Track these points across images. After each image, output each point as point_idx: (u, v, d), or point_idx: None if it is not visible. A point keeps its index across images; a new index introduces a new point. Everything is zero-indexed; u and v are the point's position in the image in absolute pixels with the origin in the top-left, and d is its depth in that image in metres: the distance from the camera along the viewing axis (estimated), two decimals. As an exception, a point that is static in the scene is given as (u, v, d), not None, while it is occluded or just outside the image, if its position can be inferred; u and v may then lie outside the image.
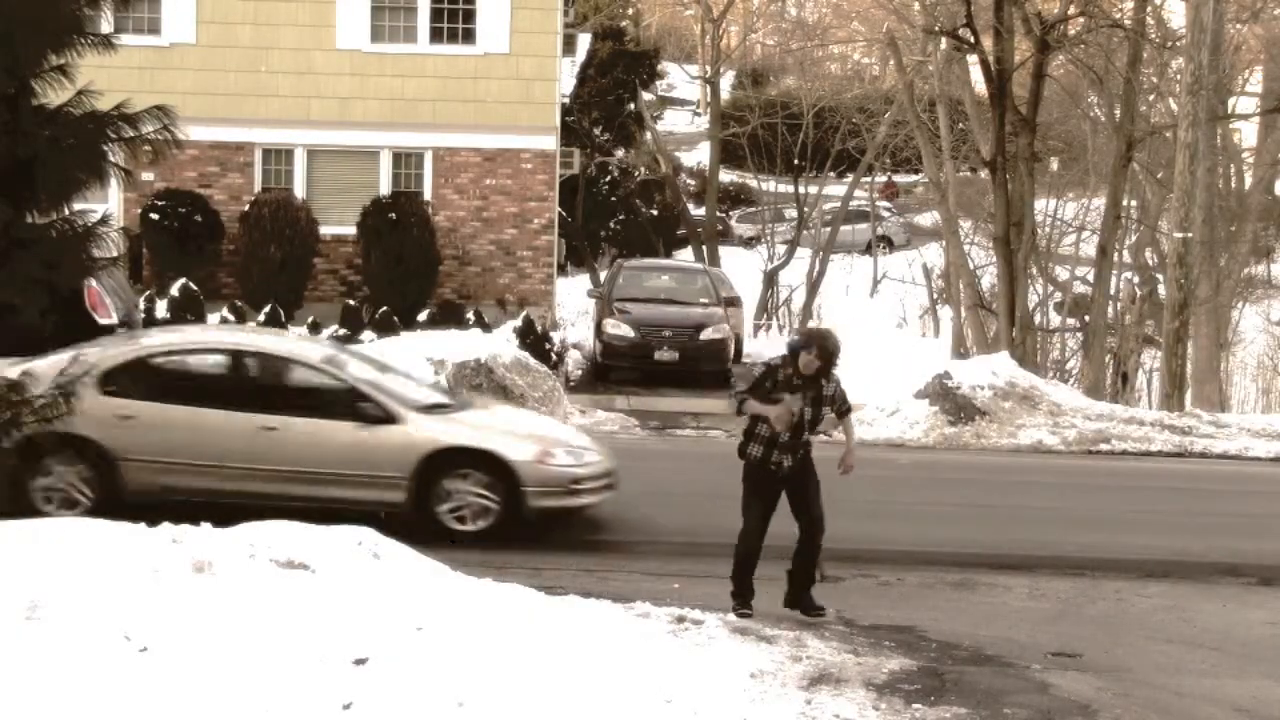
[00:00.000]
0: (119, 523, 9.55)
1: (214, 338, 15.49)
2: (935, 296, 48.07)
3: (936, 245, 49.43)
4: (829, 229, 47.26)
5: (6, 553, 8.69)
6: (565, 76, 36.60)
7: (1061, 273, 42.03)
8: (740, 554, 10.90)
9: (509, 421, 14.80)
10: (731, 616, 10.37)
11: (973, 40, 29.16)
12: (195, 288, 25.17)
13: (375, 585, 9.02)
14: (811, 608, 10.92)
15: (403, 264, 26.53)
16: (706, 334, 26.23)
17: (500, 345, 22.72)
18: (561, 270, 35.83)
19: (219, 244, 26.96)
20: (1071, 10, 30.64)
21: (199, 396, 13.74)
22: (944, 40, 33.35)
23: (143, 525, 9.54)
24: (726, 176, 55.80)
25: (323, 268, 27.56)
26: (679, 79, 61.06)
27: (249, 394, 13.81)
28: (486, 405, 15.80)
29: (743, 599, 10.80)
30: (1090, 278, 36.89)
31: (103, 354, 14.01)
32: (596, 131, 46.40)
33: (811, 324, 43.29)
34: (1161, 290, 32.47)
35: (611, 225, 48.50)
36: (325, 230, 27.26)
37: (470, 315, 26.41)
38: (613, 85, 46.09)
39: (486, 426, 14.14)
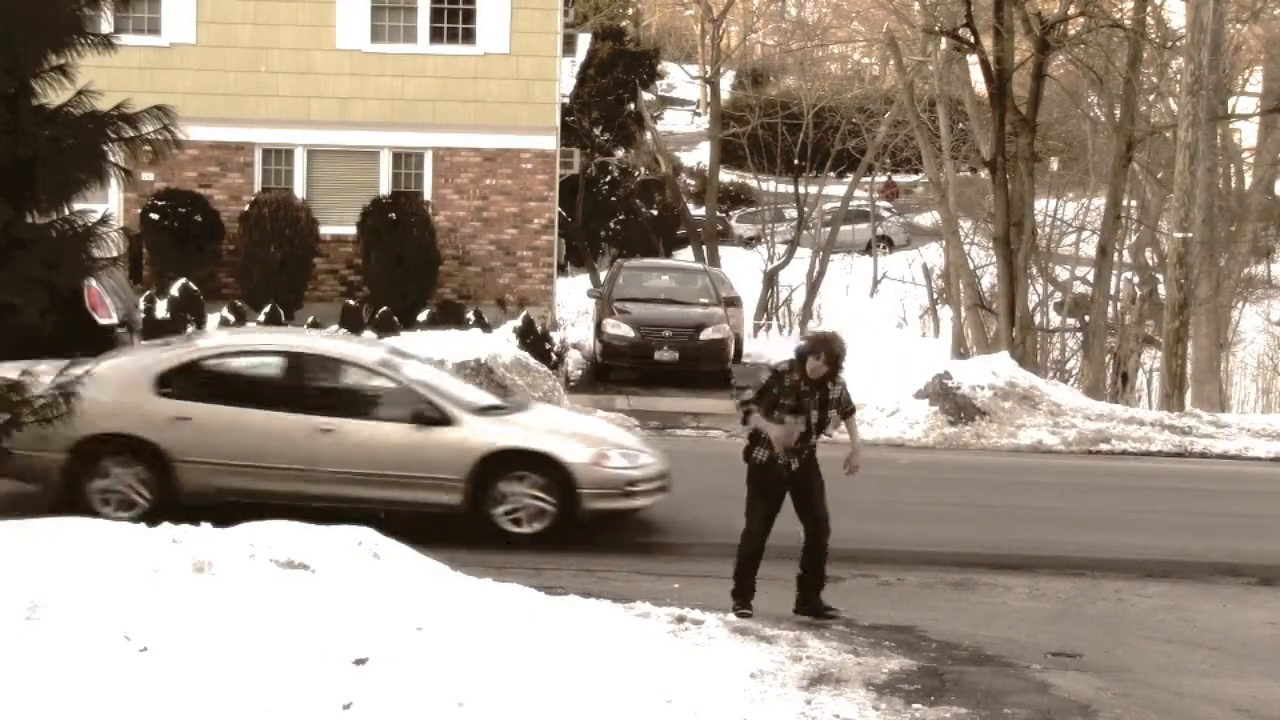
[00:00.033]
0: (119, 523, 9.56)
1: (269, 340, 15.50)
2: (935, 296, 48.06)
3: (936, 245, 49.42)
4: (829, 229, 47.25)
5: (6, 553, 8.69)
6: (565, 76, 36.61)
7: (1061, 273, 42.02)
8: (743, 554, 10.91)
9: (561, 423, 14.77)
10: (731, 616, 10.37)
11: (973, 40, 29.15)
12: (195, 288, 25.19)
13: (375, 585, 9.02)
14: (823, 611, 10.90)
15: (403, 264, 26.53)
16: (706, 334, 26.22)
17: (500, 345, 22.71)
18: (561, 270, 35.83)
19: (219, 244, 26.96)
20: (1071, 10, 30.64)
21: (255, 398, 13.76)
22: (944, 40, 33.35)
23: (143, 525, 9.55)
24: (726, 176, 55.80)
25: (323, 268, 27.56)
26: (679, 79, 61.06)
27: (305, 396, 13.84)
28: (535, 406, 15.75)
29: (743, 599, 10.81)
30: (1090, 278, 36.89)
31: (159, 355, 14.10)
32: (596, 131, 46.40)
33: (812, 324, 43.34)
34: (1161, 290, 32.47)
35: (611, 225, 48.50)
36: (325, 230, 27.26)
37: (470, 315, 26.41)
38: (613, 85, 46.09)
39: (541, 428, 14.10)
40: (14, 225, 10.78)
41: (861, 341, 29.94)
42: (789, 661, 9.18)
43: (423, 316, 26.13)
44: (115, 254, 12.02)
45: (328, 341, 15.43)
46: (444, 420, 13.56)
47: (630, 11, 56.87)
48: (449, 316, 26.22)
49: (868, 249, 54.58)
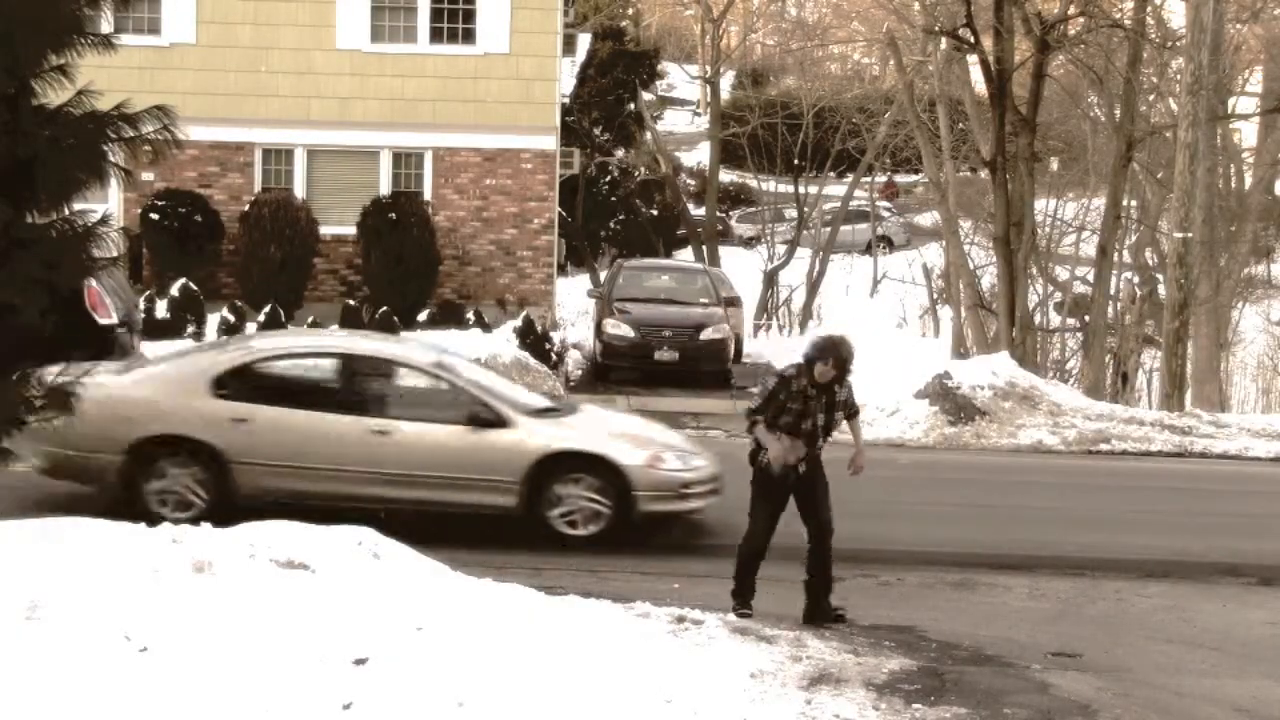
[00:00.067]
0: (119, 523, 9.55)
1: (325, 341, 15.51)
2: (935, 296, 48.06)
3: (936, 245, 49.42)
4: (829, 229, 47.28)
5: (6, 553, 8.69)
6: (565, 76, 36.61)
7: (1061, 273, 42.02)
8: (744, 554, 10.91)
9: (613, 424, 14.75)
10: (731, 616, 10.37)
11: (973, 40, 29.15)
12: (195, 288, 25.19)
13: (375, 585, 9.02)
14: (833, 615, 10.88)
15: (403, 264, 26.53)
16: (706, 334, 26.22)
17: (500, 345, 22.73)
18: (561, 270, 35.83)
19: (219, 244, 26.96)
20: (1071, 10, 30.64)
21: (311, 400, 13.78)
22: (944, 40, 33.35)
23: (142, 525, 9.55)
24: (726, 176, 55.81)
25: (323, 268, 27.56)
26: (679, 79, 61.06)
27: (360, 397, 13.89)
28: (584, 408, 15.74)
29: (743, 599, 10.81)
30: (1090, 278, 36.89)
31: (215, 357, 14.17)
32: (596, 131, 46.41)
33: (812, 324, 43.36)
34: (1161, 290, 32.47)
35: (611, 225, 48.51)
36: (325, 230, 27.26)
37: (470, 315, 26.41)
38: (613, 85, 46.11)
39: (596, 430, 14.10)
40: (14, 225, 10.76)
41: (861, 341, 29.95)
42: (789, 661, 9.18)
43: (423, 316, 26.13)
44: (115, 254, 11.98)
45: (383, 343, 15.47)
46: (499, 422, 13.57)
47: (630, 11, 56.88)
48: (449, 316, 26.22)
49: (868, 249, 54.59)
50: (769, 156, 47.88)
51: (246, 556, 9.03)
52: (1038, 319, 38.33)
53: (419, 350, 15.08)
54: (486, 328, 25.73)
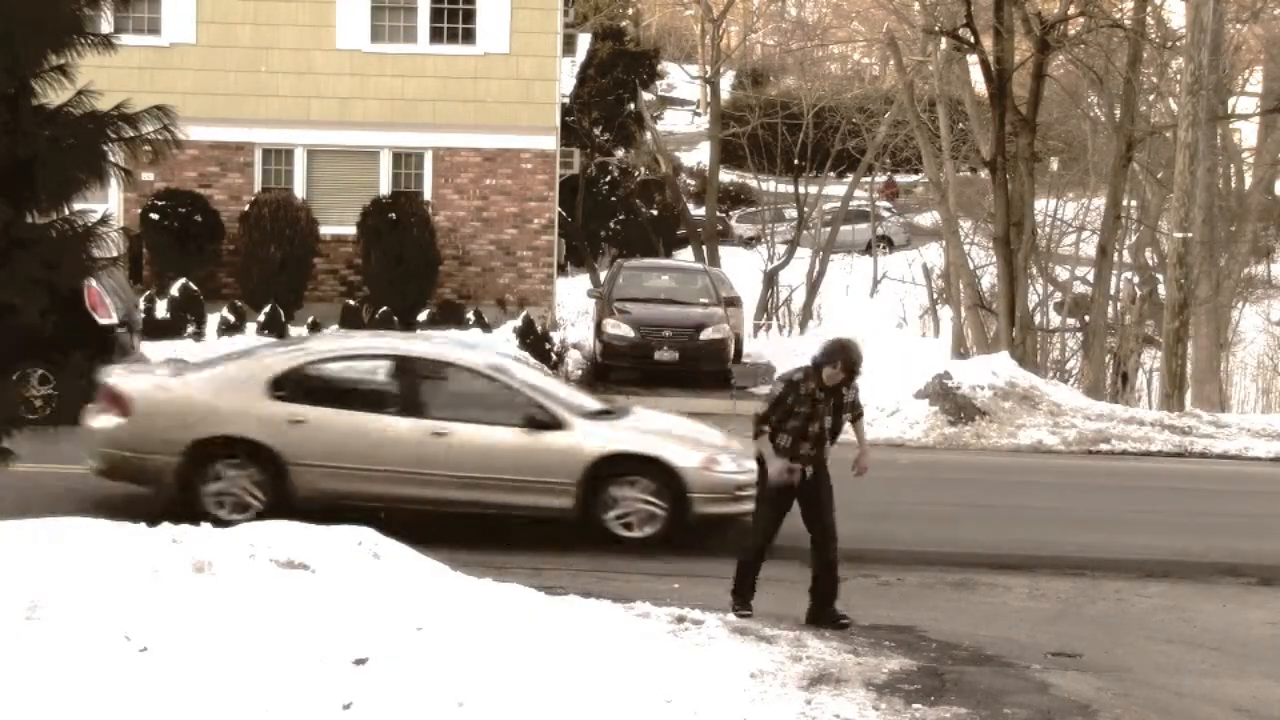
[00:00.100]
0: (119, 523, 9.55)
1: (381, 343, 15.47)
2: (935, 296, 48.06)
3: (936, 245, 49.42)
4: (829, 229, 47.27)
5: (6, 553, 8.69)
6: (565, 76, 36.60)
7: (1061, 273, 42.03)
8: (745, 555, 10.92)
9: (665, 426, 14.66)
10: (731, 616, 10.37)
11: (973, 40, 29.16)
12: (195, 288, 25.19)
13: (375, 585, 9.02)
14: (838, 622, 10.85)
15: (403, 264, 26.52)
16: (706, 334, 26.20)
17: (500, 345, 22.67)
18: (561, 270, 35.83)
19: (219, 244, 26.95)
20: (1071, 10, 30.65)
21: (367, 402, 13.79)
22: (944, 40, 33.35)
23: (142, 525, 9.55)
24: (726, 176, 55.80)
25: (323, 268, 27.55)
26: (679, 79, 61.05)
27: (417, 399, 13.86)
28: (636, 410, 15.67)
29: (743, 599, 10.80)
30: (1090, 278, 36.89)
31: (271, 359, 14.16)
32: (596, 131, 46.40)
33: (812, 324, 43.39)
34: (1161, 290, 32.48)
35: (611, 225, 48.51)
36: (325, 230, 27.25)
37: (470, 315, 26.41)
38: (613, 85, 46.10)
39: (651, 432, 14.06)
40: (14, 225, 10.77)
41: (861, 342, 29.96)
42: (789, 661, 9.18)
43: (423, 316, 26.13)
44: (115, 254, 11.99)
45: (438, 345, 15.42)
46: (556, 424, 13.57)
47: (630, 11, 56.88)
48: (449, 316, 26.22)
49: (868, 249, 54.58)
50: (769, 156, 47.88)
51: (246, 556, 9.03)
52: (1038, 319, 38.34)
53: (475, 352, 14.99)
54: (486, 328, 25.73)
